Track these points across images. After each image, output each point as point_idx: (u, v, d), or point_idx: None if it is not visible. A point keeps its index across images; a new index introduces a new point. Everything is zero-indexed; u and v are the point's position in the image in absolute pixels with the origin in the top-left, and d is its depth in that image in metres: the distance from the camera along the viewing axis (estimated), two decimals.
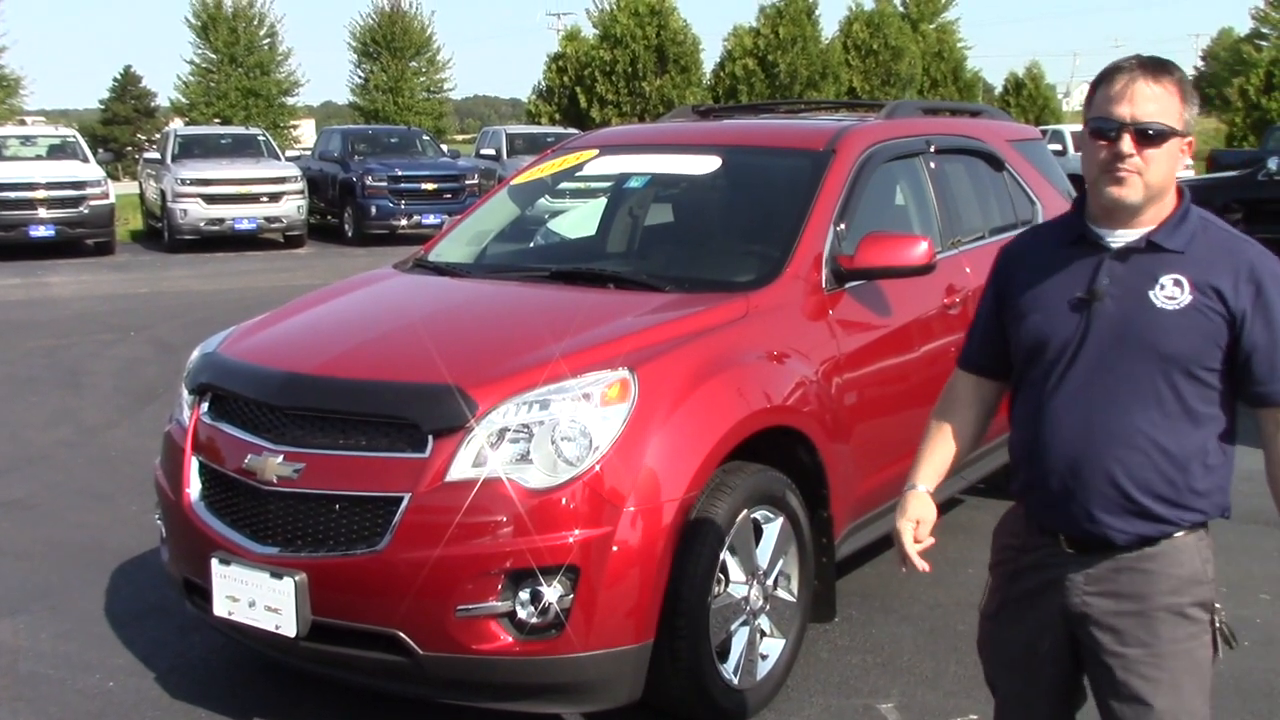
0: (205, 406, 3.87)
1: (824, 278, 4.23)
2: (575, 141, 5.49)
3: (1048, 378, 2.37)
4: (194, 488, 3.78)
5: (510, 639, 3.28)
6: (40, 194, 17.84)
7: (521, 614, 3.27)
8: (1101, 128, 2.27)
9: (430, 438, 3.34)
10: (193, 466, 3.81)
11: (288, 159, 21.52)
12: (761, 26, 35.66)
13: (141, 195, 22.01)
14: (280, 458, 3.48)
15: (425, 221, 19.32)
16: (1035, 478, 2.39)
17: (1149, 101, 2.24)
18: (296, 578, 3.36)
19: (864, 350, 4.30)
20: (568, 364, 3.48)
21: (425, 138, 23.29)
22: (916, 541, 2.50)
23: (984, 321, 2.57)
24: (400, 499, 3.31)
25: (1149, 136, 2.23)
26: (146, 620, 4.57)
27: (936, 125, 5.59)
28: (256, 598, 3.46)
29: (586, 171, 5.26)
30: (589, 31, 36.32)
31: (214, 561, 3.55)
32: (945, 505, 5.52)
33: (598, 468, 3.31)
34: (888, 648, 4.35)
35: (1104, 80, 2.30)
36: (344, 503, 3.39)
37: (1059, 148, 24.51)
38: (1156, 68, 2.27)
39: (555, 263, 4.81)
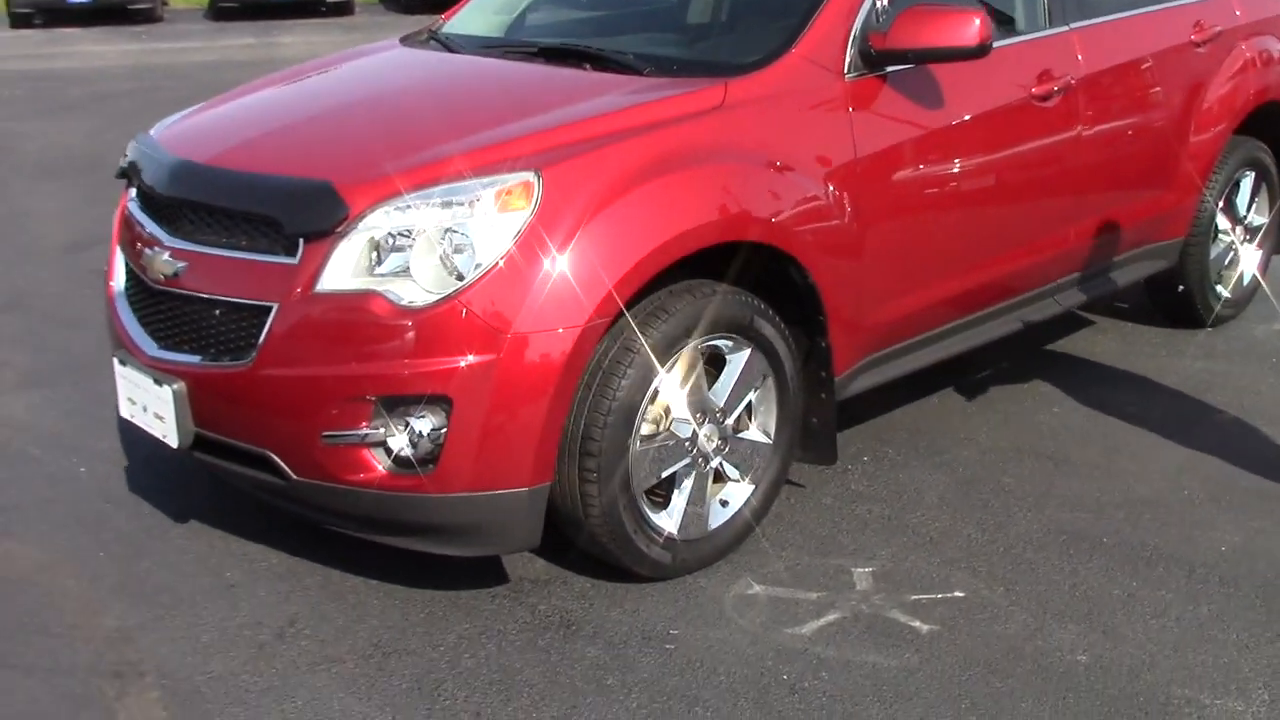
0: (133, 193, 3.60)
1: (847, 61, 3.50)
2: None
3: None
4: (117, 280, 3.55)
5: (381, 471, 2.93)
6: None
7: (393, 446, 2.91)
8: None
9: (301, 241, 2.94)
10: (118, 257, 3.57)
11: None
12: None
13: None
14: (167, 254, 3.18)
15: None
16: None
17: None
18: (174, 386, 3.09)
19: (894, 150, 3.57)
20: (467, 162, 2.96)
21: None
22: None
23: None
24: (270, 309, 2.95)
25: None
26: None
27: None
28: (147, 403, 3.22)
29: None
30: None
31: (115, 361, 3.34)
32: (1046, 330, 4.63)
33: (482, 285, 2.84)
34: (906, 496, 3.77)
35: None
36: (223, 309, 3.06)
37: None
38: None
39: (563, 36, 4.20)
